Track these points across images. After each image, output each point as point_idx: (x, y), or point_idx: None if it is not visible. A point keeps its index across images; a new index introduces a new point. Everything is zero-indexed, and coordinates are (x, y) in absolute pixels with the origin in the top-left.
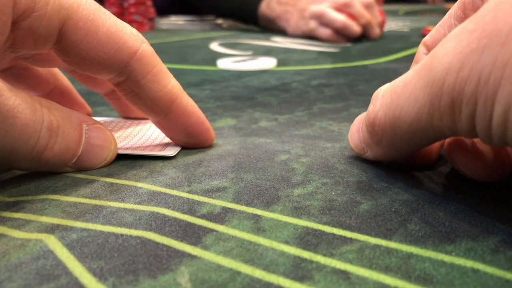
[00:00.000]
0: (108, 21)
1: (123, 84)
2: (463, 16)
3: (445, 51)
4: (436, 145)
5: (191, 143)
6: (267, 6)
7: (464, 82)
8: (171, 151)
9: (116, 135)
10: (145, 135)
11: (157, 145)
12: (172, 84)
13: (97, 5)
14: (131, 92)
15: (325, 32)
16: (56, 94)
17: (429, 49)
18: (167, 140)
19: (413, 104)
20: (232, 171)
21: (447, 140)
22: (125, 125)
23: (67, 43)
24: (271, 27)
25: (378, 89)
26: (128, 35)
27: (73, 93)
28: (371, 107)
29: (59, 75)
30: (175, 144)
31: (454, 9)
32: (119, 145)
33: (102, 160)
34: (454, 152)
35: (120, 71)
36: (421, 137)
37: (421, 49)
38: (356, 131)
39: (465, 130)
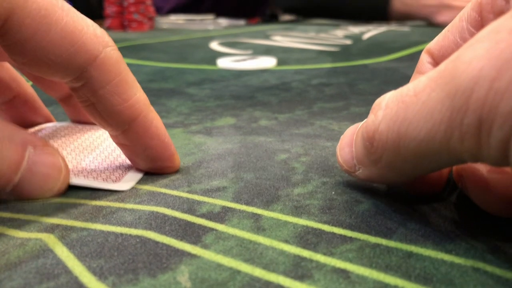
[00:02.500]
0: (65, 18)
1: (79, 90)
2: (479, 20)
3: (474, 53)
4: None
5: (151, 167)
6: (401, 3)
7: (500, 96)
8: (127, 184)
9: (72, 147)
10: (105, 150)
11: (117, 168)
12: (136, 99)
13: None
14: (88, 101)
15: None
16: (19, 103)
17: (434, 57)
18: (128, 161)
19: (425, 119)
20: (232, 170)
21: None
22: (86, 135)
23: (12, 41)
24: (404, 19)
25: (382, 97)
26: (89, 37)
27: (37, 102)
28: (371, 117)
29: (23, 83)
30: (134, 166)
31: (466, 11)
32: (74, 165)
33: (46, 190)
34: (466, 180)
35: (76, 76)
36: (431, 161)
37: (424, 57)
38: (347, 144)
39: (493, 157)
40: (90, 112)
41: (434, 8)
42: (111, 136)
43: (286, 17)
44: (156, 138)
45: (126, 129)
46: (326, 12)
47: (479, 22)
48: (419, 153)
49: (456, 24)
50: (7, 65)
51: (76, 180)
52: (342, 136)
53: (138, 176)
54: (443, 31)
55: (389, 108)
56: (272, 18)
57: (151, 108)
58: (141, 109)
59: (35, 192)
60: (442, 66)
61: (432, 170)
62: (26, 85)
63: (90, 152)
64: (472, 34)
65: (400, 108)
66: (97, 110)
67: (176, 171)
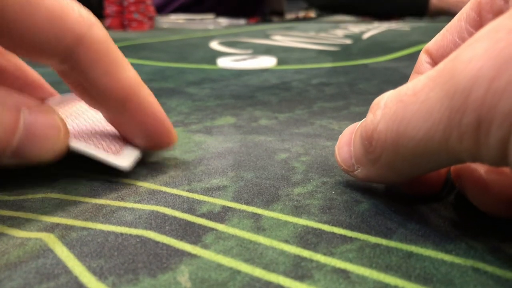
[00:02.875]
0: None
1: (69, 73)
2: (478, 20)
3: (473, 53)
4: (444, 168)
5: (148, 145)
6: (438, 0)
7: (499, 96)
8: (126, 159)
9: (70, 111)
10: (102, 119)
11: (115, 138)
12: (127, 77)
13: None
14: (79, 84)
15: None
16: (27, 89)
17: (432, 57)
18: None
19: (424, 119)
20: (232, 169)
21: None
22: (83, 103)
23: None
24: (439, 14)
25: (380, 96)
26: (75, 17)
27: (46, 86)
28: (370, 116)
29: (28, 69)
30: (132, 143)
31: (465, 11)
32: (71, 128)
33: (48, 151)
34: (464, 180)
35: (63, 58)
36: (430, 160)
37: (422, 57)
38: (345, 143)
39: (492, 157)
40: (82, 95)
41: None
42: (105, 117)
43: (291, 15)
44: (152, 116)
45: (120, 110)
46: (365, 9)
47: (478, 22)
48: (417, 153)
49: (455, 24)
50: (10, 55)
51: (76, 144)
52: (340, 136)
53: (136, 152)
54: (442, 31)
55: (388, 107)
56: (273, 16)
57: (144, 85)
58: (134, 88)
59: (36, 154)
60: (441, 65)
61: (430, 170)
62: (31, 71)
63: (88, 119)
64: (471, 34)
65: (399, 107)
66: (89, 92)
67: (172, 144)
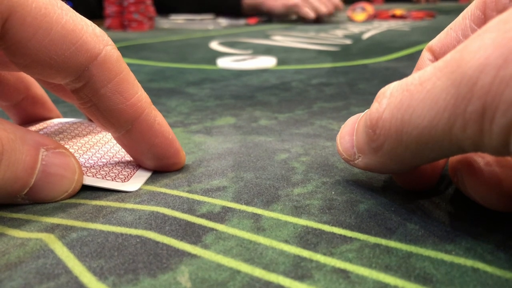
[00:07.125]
0: (64, 17)
1: (80, 91)
2: (483, 18)
3: (481, 43)
4: (441, 162)
5: (157, 165)
6: None
7: (505, 84)
8: (134, 184)
9: (78, 145)
10: (112, 148)
11: (124, 167)
12: (138, 97)
13: None
14: (89, 102)
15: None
16: (28, 104)
17: (435, 55)
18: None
19: (429, 107)
20: (232, 170)
21: (453, 157)
22: (92, 133)
23: (12, 41)
24: (254, 12)
25: (386, 86)
26: (90, 35)
27: (47, 103)
28: (375, 105)
29: (32, 84)
30: (140, 165)
31: (470, 9)
32: (83, 161)
33: (61, 192)
34: (463, 173)
35: (77, 76)
36: (432, 149)
37: (425, 55)
38: (348, 133)
39: (494, 145)
40: (92, 113)
41: None
42: (115, 137)
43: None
44: (160, 136)
45: (129, 129)
46: (188, 7)
47: (483, 20)
48: (421, 141)
49: (459, 22)
50: (13, 66)
51: (86, 180)
52: (342, 126)
53: (146, 175)
54: (446, 29)
55: (393, 96)
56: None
57: (153, 106)
58: (144, 107)
59: (50, 194)
60: (448, 56)
61: (432, 159)
62: (35, 85)
63: (97, 150)
64: (475, 32)
65: (404, 96)
66: (99, 111)
67: (182, 167)
